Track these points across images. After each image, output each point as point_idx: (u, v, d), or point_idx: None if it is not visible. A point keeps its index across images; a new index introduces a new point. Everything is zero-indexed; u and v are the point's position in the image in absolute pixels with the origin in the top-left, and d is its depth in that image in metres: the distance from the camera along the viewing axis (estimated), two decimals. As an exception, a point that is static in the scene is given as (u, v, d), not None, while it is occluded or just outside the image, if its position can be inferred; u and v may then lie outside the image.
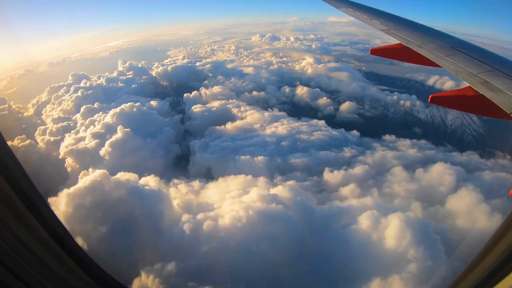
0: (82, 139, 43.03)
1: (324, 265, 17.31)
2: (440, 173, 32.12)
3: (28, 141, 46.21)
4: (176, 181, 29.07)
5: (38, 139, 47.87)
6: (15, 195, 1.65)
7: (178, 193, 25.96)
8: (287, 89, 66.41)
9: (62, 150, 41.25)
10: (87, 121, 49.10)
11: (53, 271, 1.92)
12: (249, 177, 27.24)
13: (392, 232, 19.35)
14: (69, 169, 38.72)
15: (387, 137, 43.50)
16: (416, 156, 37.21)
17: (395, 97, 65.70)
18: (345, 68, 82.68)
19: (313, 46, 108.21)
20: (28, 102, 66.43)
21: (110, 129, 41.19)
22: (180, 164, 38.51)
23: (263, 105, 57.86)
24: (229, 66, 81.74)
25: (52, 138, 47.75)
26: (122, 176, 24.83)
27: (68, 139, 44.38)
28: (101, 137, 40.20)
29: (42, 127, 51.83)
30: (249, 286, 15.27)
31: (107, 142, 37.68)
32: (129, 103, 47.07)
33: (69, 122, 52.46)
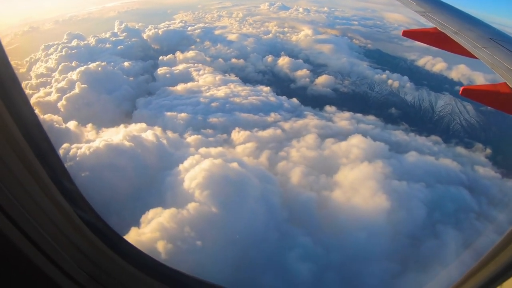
0: (51, 93, 51.97)
1: (140, 193, 24.49)
2: (350, 145, 34.43)
3: (10, 94, 55.91)
4: (104, 129, 36.55)
5: (20, 92, 57.42)
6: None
7: (95, 136, 33.59)
8: (269, 59, 70.65)
9: (31, 101, 50.37)
10: (61, 77, 57.92)
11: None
12: (143, 125, 34.28)
13: (191, 174, 24.77)
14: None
15: (327, 108, 47.45)
16: (345, 128, 40.46)
17: (384, 75, 68.38)
18: (341, 43, 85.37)
19: (318, 17, 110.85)
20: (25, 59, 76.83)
21: (72, 85, 49.41)
22: (126, 118, 45.39)
23: (238, 72, 62.69)
24: (217, 32, 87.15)
25: (30, 92, 57.09)
26: (48, 117, 32.79)
27: (40, 92, 53.50)
28: (63, 92, 48.51)
29: (26, 82, 61.63)
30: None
31: (64, 97, 45.95)
32: (96, 63, 54.99)
33: (48, 78, 61.51)
